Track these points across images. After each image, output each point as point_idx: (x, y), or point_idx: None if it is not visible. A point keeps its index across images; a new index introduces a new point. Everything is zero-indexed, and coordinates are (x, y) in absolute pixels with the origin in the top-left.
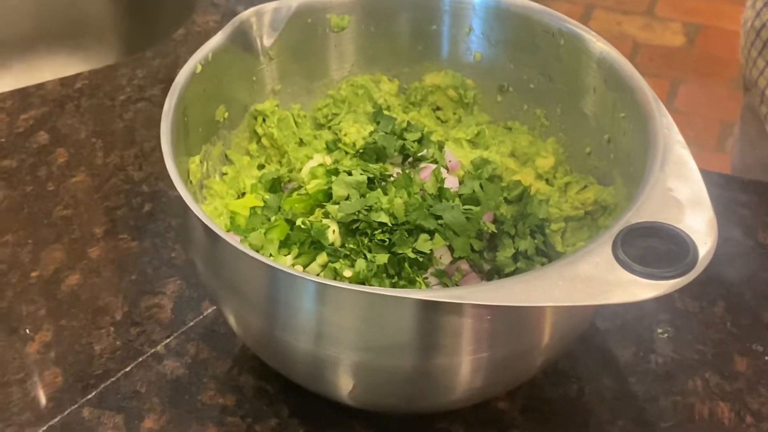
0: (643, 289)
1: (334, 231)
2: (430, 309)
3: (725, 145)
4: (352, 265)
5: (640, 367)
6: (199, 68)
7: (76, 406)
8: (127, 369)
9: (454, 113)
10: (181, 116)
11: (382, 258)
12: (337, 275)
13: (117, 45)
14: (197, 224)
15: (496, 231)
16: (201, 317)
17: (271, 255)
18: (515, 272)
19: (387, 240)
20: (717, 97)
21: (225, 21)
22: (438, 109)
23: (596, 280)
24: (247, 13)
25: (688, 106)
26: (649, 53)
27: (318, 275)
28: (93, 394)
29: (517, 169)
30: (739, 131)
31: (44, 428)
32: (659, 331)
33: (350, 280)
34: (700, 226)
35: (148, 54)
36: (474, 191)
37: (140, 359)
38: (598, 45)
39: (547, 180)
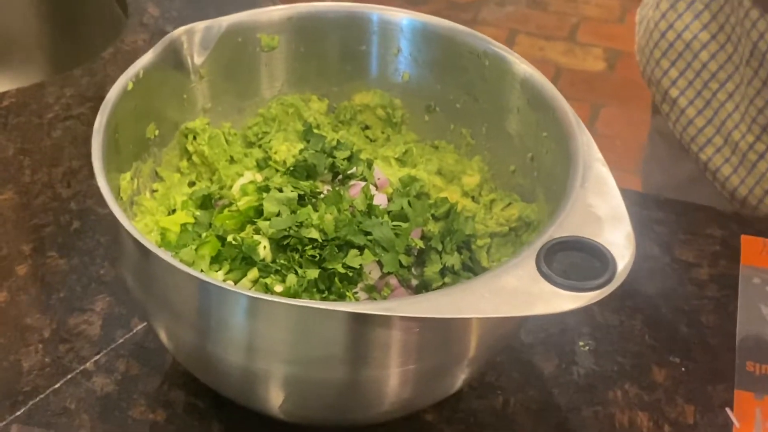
0: (565, 300)
1: (265, 247)
2: (361, 322)
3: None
4: (283, 281)
5: (563, 379)
6: (131, 86)
7: (4, 423)
8: (56, 386)
9: (383, 132)
10: (112, 133)
11: (313, 273)
12: (268, 290)
13: (44, 63)
14: (128, 240)
15: (423, 247)
16: (131, 334)
17: (202, 271)
18: (442, 287)
19: (317, 255)
20: (636, 121)
21: (155, 40)
22: (367, 128)
23: (520, 292)
24: (178, 32)
25: (609, 129)
26: (570, 78)
27: (249, 290)
28: (21, 411)
29: (443, 186)
30: (648, 154)
31: None
32: (581, 344)
33: (281, 295)
34: (619, 240)
35: (76, 72)
36: (402, 208)
37: (69, 376)
38: (522, 66)
39: (473, 197)
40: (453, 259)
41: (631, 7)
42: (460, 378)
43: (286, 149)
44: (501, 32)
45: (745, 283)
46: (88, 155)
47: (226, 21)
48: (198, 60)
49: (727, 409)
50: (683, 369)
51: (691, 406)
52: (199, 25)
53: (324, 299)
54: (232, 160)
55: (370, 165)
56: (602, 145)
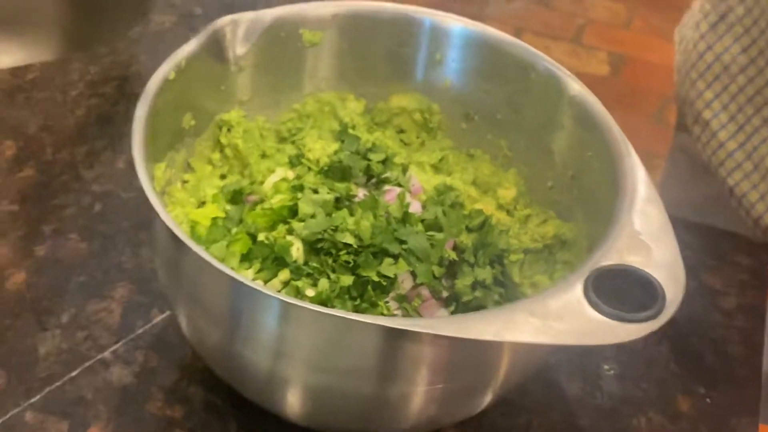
0: (612, 331)
1: (297, 248)
2: (395, 336)
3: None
4: (315, 285)
5: (587, 402)
6: (173, 75)
7: (19, 409)
8: (73, 374)
9: (418, 137)
10: (151, 122)
11: (347, 280)
12: (299, 293)
13: (66, 39)
14: (164, 231)
15: (456, 258)
16: (150, 324)
17: (232, 268)
18: (473, 301)
19: (351, 261)
20: (637, 129)
21: (181, 22)
22: (402, 131)
23: (566, 319)
24: (223, 21)
25: None
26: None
27: (279, 291)
28: (37, 397)
29: (478, 197)
30: (668, 171)
31: None
32: (605, 367)
33: (312, 300)
34: (668, 270)
35: (101, 50)
36: (437, 217)
37: (86, 364)
38: (573, 84)
39: (507, 211)
40: (485, 273)
41: (638, 12)
42: (487, 399)
43: (320, 148)
44: (506, 29)
45: None
46: (112, 135)
47: (271, 14)
48: (240, 51)
49: None
50: (708, 400)
51: None
52: (245, 16)
53: (356, 306)
54: (264, 155)
55: (405, 170)
56: None
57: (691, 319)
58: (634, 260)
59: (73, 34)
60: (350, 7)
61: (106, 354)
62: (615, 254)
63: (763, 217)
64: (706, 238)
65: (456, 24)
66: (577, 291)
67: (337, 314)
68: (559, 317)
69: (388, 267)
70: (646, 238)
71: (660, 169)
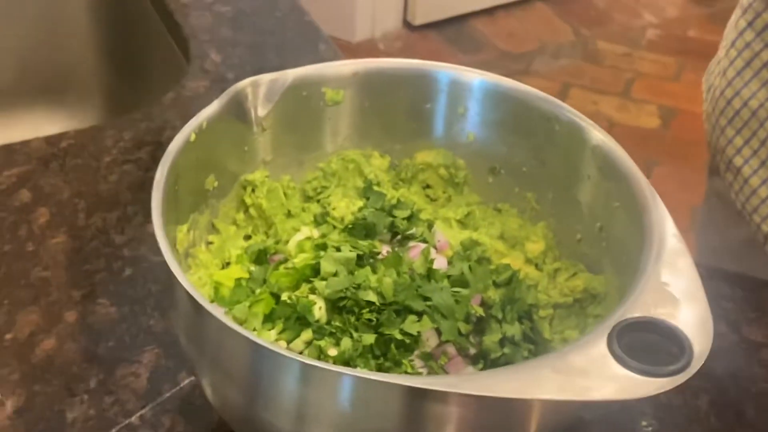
0: (637, 386)
1: (320, 308)
2: (418, 395)
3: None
4: (338, 344)
5: None
6: (193, 137)
7: None
8: (126, 421)
9: (444, 192)
10: (173, 185)
11: (369, 338)
12: (321, 353)
13: (103, 105)
14: (183, 295)
15: (483, 315)
16: (178, 388)
17: (255, 329)
18: (501, 357)
19: (374, 319)
20: (689, 181)
21: (215, 87)
22: (428, 187)
23: (590, 374)
24: (244, 83)
25: (661, 188)
26: (623, 133)
27: (302, 352)
28: None
29: (506, 252)
30: (705, 217)
31: None
32: (643, 423)
33: (335, 360)
34: (695, 322)
35: (136, 116)
36: (463, 273)
37: (114, 430)
38: (595, 133)
39: (536, 265)
40: (513, 329)
41: (687, 65)
42: None
43: (345, 206)
44: (554, 84)
45: None
46: (144, 201)
47: (292, 74)
48: (262, 112)
49: None
50: None
51: None
52: (266, 77)
53: (379, 365)
54: (289, 215)
55: (430, 226)
56: None
57: (731, 372)
58: (661, 312)
59: (110, 100)
60: (370, 64)
61: (133, 419)
62: (641, 307)
63: None
64: (746, 289)
65: (475, 77)
66: (601, 345)
67: (356, 374)
68: (584, 372)
69: (411, 324)
70: (674, 290)
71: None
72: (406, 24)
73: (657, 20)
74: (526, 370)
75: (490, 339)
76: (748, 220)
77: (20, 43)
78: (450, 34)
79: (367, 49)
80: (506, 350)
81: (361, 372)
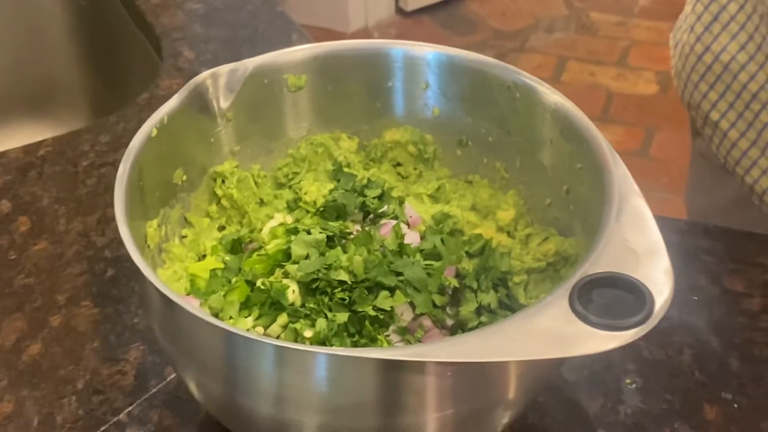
0: (601, 340)
1: (294, 291)
2: (392, 368)
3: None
4: (313, 325)
5: (609, 419)
6: (155, 132)
7: None
8: (114, 419)
9: (415, 168)
10: (137, 180)
11: (342, 317)
12: (297, 336)
13: (85, 111)
14: (152, 289)
15: (458, 285)
16: (164, 383)
17: (231, 318)
18: (479, 326)
19: (347, 298)
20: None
21: None
22: (398, 165)
23: (553, 332)
24: (203, 76)
25: (664, 153)
26: (623, 102)
27: (278, 337)
28: None
29: (478, 222)
30: (691, 178)
31: None
32: (627, 381)
33: (311, 341)
34: (656, 275)
35: (112, 119)
36: (435, 246)
37: (102, 428)
38: (553, 97)
39: (508, 232)
40: (489, 298)
41: None
42: (501, 421)
43: (317, 189)
44: (550, 59)
45: None
46: None
47: (251, 63)
48: (224, 103)
49: None
50: (736, 406)
51: None
52: (224, 68)
53: (355, 343)
54: (262, 203)
55: (401, 203)
56: (658, 170)
57: (713, 325)
58: (622, 267)
59: (91, 105)
60: (329, 47)
61: (122, 416)
62: (603, 263)
63: None
64: (726, 241)
65: (428, 50)
66: (563, 303)
67: (327, 351)
68: (547, 331)
69: (384, 300)
70: (635, 245)
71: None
72: (399, 10)
73: None
74: (491, 334)
75: (467, 309)
76: (731, 173)
77: (1, 58)
78: (443, 18)
79: (362, 38)
80: (483, 319)
81: (332, 349)
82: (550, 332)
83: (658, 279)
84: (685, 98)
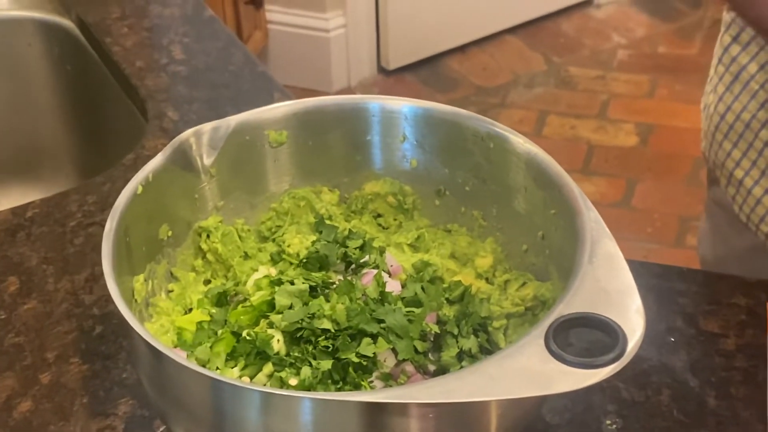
0: (577, 378)
1: (278, 340)
2: (375, 410)
3: (685, 240)
4: (298, 373)
5: None
6: (140, 189)
7: None
8: None
9: (395, 219)
10: (123, 237)
11: (326, 364)
12: (283, 384)
13: (73, 173)
14: (140, 342)
15: (439, 331)
16: None
17: (218, 368)
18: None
19: (331, 346)
20: (673, 194)
21: None
22: (379, 216)
23: (530, 372)
24: (186, 134)
25: (646, 203)
26: (604, 154)
27: (264, 385)
28: None
29: (457, 269)
30: (707, 226)
31: None
32: (608, 422)
33: (296, 388)
34: (629, 314)
35: (98, 180)
36: (416, 293)
37: None
38: (525, 146)
39: (487, 279)
40: (470, 343)
41: (660, 81)
42: None
43: (299, 242)
44: (531, 113)
45: None
46: None
47: (234, 120)
48: (207, 160)
49: None
50: None
51: None
52: (207, 126)
53: (339, 389)
54: (246, 256)
55: (382, 252)
56: (640, 220)
57: (691, 365)
58: (594, 308)
59: (78, 167)
60: (308, 104)
61: None
62: (576, 304)
63: None
64: (701, 284)
65: (403, 104)
66: (538, 344)
67: (312, 396)
68: (524, 371)
69: (366, 347)
70: (606, 286)
71: (697, 229)
72: (382, 69)
73: (626, 41)
74: (470, 374)
75: (448, 354)
76: (754, 231)
77: None
78: (425, 76)
79: None
80: (464, 363)
81: (317, 393)
82: (527, 372)
83: (631, 318)
84: (710, 157)
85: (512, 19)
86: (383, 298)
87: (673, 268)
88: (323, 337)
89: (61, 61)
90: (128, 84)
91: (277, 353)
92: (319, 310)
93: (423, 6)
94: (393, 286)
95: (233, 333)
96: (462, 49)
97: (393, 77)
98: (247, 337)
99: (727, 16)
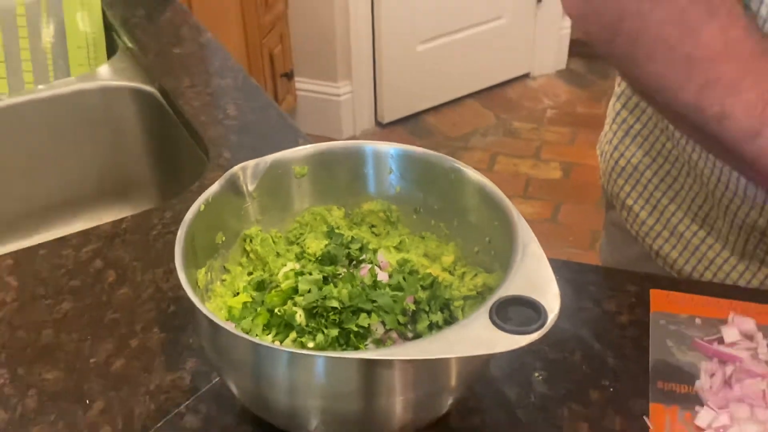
0: (511, 342)
1: (300, 315)
2: (369, 365)
3: (595, 247)
4: (314, 339)
5: (524, 402)
6: (202, 207)
7: None
8: (158, 425)
9: (384, 228)
10: (190, 241)
11: (334, 332)
12: (303, 346)
13: (155, 196)
14: (202, 317)
15: (415, 309)
16: (211, 384)
17: (257, 335)
18: None
19: (337, 319)
20: (587, 214)
21: None
22: (373, 226)
23: (479, 338)
24: (235, 168)
25: (568, 220)
26: (538, 184)
27: (290, 347)
28: None
29: (428, 265)
30: (605, 239)
31: None
32: (536, 374)
33: (312, 349)
34: (549, 297)
35: (173, 201)
36: (399, 282)
37: (167, 417)
38: (476, 176)
39: (449, 272)
40: (437, 317)
41: (578, 133)
42: (448, 402)
43: (316, 245)
44: (486, 155)
45: (654, 324)
46: None
47: (269, 158)
48: (251, 187)
49: (644, 417)
50: (611, 390)
51: (618, 416)
52: (250, 163)
53: (343, 350)
54: (278, 255)
55: (375, 252)
56: (564, 232)
57: (596, 334)
58: (524, 292)
59: (158, 191)
60: (323, 147)
61: (181, 408)
62: (512, 289)
63: (683, 267)
64: (605, 277)
65: (393, 147)
66: (484, 317)
67: (325, 355)
68: (474, 337)
69: (363, 320)
70: (533, 276)
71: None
72: (378, 123)
73: (553, 103)
74: (437, 340)
75: (422, 325)
76: (641, 243)
77: (97, 161)
78: (410, 128)
79: None
80: (433, 332)
81: (327, 353)
82: (477, 338)
83: (550, 300)
84: (608, 190)
85: (472, 87)
86: (375, 285)
87: (586, 266)
88: (332, 312)
89: (148, 117)
90: (195, 133)
91: (299, 324)
92: (329, 293)
93: (408, 78)
94: (382, 276)
95: (268, 310)
96: (436, 108)
97: (386, 129)
98: (278, 313)
99: (617, 87)
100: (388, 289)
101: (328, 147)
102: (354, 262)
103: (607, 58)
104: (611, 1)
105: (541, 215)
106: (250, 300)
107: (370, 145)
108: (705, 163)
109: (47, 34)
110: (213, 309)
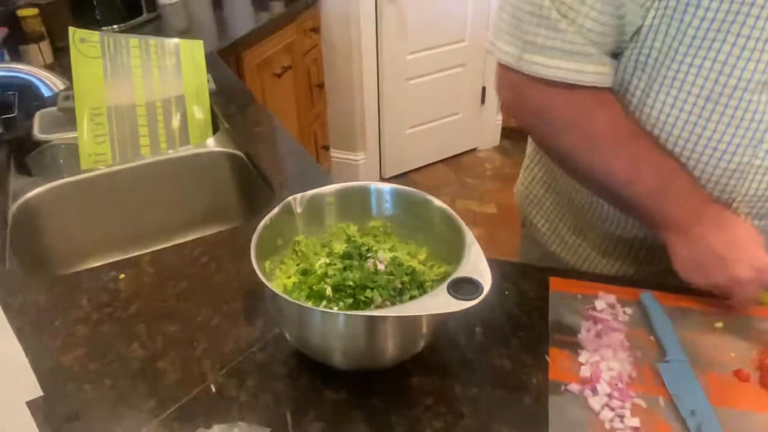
0: (460, 305)
1: (329, 290)
2: (374, 319)
3: (515, 252)
4: (338, 305)
5: (470, 347)
6: (268, 222)
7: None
8: (240, 358)
9: (383, 237)
10: (260, 244)
11: (350, 301)
12: (331, 309)
13: (240, 218)
14: (269, 291)
15: (401, 287)
16: (273, 334)
17: (302, 302)
18: None
19: (352, 293)
20: (511, 234)
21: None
22: (376, 236)
23: (441, 302)
24: (289, 199)
25: (499, 238)
26: (482, 217)
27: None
28: (226, 368)
29: (410, 260)
30: (521, 246)
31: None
32: (477, 329)
33: (336, 311)
34: (484, 278)
35: (251, 221)
36: (391, 270)
37: (245, 354)
38: (441, 205)
39: (423, 264)
40: (415, 292)
41: (507, 185)
42: (421, 344)
43: (339, 247)
44: (448, 198)
45: (553, 298)
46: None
47: (310, 193)
48: (299, 210)
49: (546, 356)
50: (525, 339)
51: (529, 355)
52: (298, 195)
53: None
54: (316, 254)
55: (377, 252)
56: (497, 245)
57: (515, 304)
58: (469, 274)
59: (241, 214)
60: (345, 185)
61: (254, 349)
62: (462, 272)
63: (569, 262)
64: (519, 269)
65: (387, 187)
66: (444, 290)
67: (344, 313)
68: (436, 302)
69: (368, 293)
70: (475, 265)
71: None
72: (382, 178)
73: (491, 166)
74: (414, 304)
75: (405, 297)
76: (543, 247)
77: (204, 197)
78: (401, 181)
79: None
80: (412, 301)
81: (346, 312)
82: (440, 302)
83: (485, 280)
84: (522, 213)
85: (440, 156)
86: (376, 272)
87: (509, 262)
88: (349, 288)
89: (237, 170)
90: (267, 180)
91: (329, 296)
92: (347, 277)
93: (400, 150)
94: (381, 267)
95: (309, 287)
96: (418, 169)
97: (387, 181)
98: (315, 289)
99: (529, 147)
100: (384, 275)
101: (347, 186)
102: (363, 258)
103: (530, 133)
104: (533, 96)
105: (483, 236)
106: (297, 281)
107: (374, 185)
108: (583, 197)
109: (175, 119)
110: (275, 286)
